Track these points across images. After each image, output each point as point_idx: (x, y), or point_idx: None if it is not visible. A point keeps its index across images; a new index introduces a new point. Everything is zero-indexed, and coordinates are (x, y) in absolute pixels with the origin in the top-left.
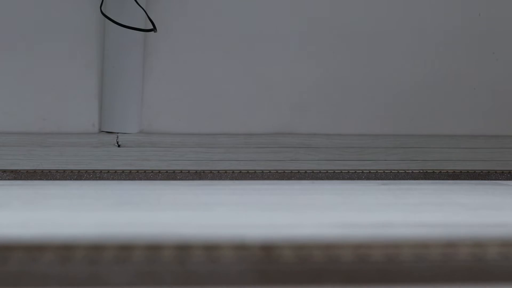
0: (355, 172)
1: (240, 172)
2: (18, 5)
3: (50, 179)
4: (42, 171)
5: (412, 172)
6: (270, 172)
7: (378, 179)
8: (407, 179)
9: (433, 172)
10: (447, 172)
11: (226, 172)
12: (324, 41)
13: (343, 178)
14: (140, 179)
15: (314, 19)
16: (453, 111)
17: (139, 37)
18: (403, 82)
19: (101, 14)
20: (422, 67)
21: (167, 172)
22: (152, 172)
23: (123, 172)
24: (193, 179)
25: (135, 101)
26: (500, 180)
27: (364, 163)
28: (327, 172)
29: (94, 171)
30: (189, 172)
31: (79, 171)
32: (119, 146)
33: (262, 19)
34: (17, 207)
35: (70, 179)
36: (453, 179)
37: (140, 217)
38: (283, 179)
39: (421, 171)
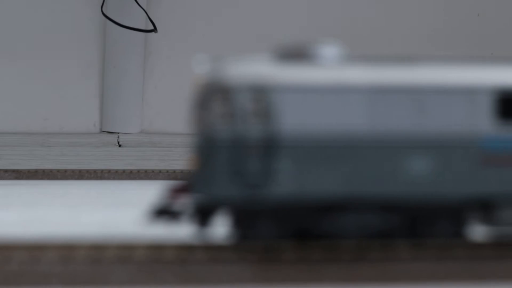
0: None
1: None
2: (20, 6)
3: (52, 179)
4: (43, 170)
5: None
6: None
7: None
8: None
9: None
10: None
11: None
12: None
13: None
14: (141, 179)
15: (314, 18)
16: None
17: (140, 37)
18: None
19: (102, 15)
20: None
21: (167, 171)
22: (152, 172)
23: (124, 172)
24: None
25: (135, 101)
26: None
27: None
28: None
29: (95, 170)
30: (189, 171)
31: (80, 170)
32: (120, 146)
33: (262, 20)
34: (18, 206)
35: (71, 179)
36: None
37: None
38: None
39: None
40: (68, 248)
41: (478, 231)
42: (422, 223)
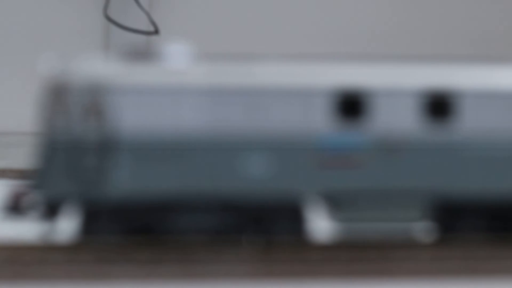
0: None
1: None
2: (23, 8)
3: None
4: None
5: None
6: None
7: None
8: None
9: None
10: None
11: None
12: (324, 42)
13: None
14: None
15: (313, 18)
16: None
17: (142, 39)
18: None
19: (105, 18)
20: None
21: None
22: None
23: None
24: None
25: None
26: None
27: None
28: None
29: None
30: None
31: None
32: None
33: (262, 22)
34: None
35: None
36: None
37: None
38: None
39: None
40: (74, 247)
41: (320, 229)
42: (262, 222)
